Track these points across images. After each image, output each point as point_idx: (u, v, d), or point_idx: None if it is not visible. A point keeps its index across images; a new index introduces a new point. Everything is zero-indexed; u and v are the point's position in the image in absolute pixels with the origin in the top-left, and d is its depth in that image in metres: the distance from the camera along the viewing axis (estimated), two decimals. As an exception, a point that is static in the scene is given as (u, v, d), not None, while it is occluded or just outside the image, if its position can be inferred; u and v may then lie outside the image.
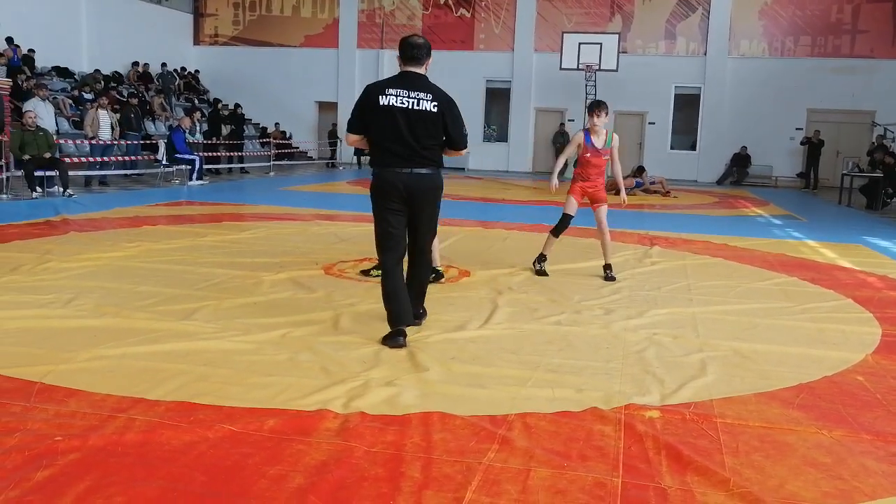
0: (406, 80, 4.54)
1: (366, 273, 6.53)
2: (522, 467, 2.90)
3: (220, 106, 21.86)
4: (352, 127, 4.64)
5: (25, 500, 2.53)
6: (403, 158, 4.50)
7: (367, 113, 4.52)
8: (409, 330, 4.60)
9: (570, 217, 6.90)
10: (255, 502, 2.58)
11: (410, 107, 4.46)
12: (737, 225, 11.98)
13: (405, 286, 4.68)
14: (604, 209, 6.88)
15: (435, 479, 2.78)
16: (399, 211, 4.59)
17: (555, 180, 7.02)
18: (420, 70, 4.59)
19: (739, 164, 23.09)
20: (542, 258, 7.00)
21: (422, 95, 4.49)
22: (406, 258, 4.78)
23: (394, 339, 4.50)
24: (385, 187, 4.55)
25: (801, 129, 22.86)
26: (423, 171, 4.54)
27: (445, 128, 4.57)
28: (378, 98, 4.47)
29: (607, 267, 6.90)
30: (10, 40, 18.39)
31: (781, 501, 2.73)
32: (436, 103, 4.51)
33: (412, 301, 4.73)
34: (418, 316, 4.93)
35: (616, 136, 6.85)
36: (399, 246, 4.65)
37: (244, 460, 2.88)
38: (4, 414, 3.24)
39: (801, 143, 22.12)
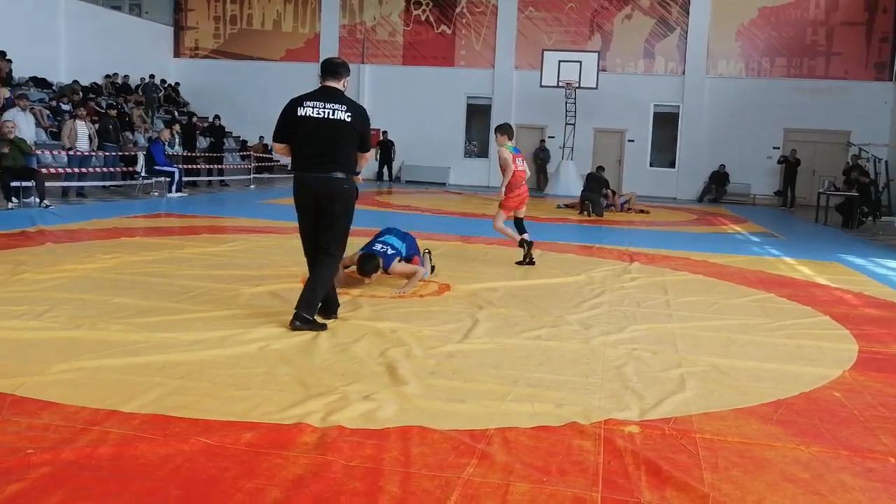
0: (323, 94, 5.02)
1: None
2: (502, 482, 2.88)
3: (194, 119, 21.70)
4: (276, 136, 5.16)
5: (-6, 514, 2.48)
6: (317, 163, 4.96)
7: (288, 123, 5.03)
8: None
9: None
10: (230, 517, 2.54)
11: (326, 116, 4.93)
12: (716, 242, 12.07)
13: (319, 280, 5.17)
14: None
15: (413, 493, 2.75)
16: (309, 211, 5.05)
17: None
18: (338, 85, 5.07)
19: (718, 182, 23.32)
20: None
21: (337, 106, 4.95)
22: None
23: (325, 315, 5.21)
24: (300, 188, 5.05)
25: (778, 148, 23.14)
26: (334, 175, 4.96)
27: (360, 135, 5.04)
28: (297, 109, 4.98)
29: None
30: (3, 54, 18.18)
31: (760, 516, 2.73)
32: (349, 113, 4.97)
33: (308, 293, 4.99)
34: (304, 310, 4.92)
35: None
36: (309, 245, 5.18)
37: (220, 474, 2.83)
38: (-26, 427, 3.17)
39: (779, 162, 22.38)
